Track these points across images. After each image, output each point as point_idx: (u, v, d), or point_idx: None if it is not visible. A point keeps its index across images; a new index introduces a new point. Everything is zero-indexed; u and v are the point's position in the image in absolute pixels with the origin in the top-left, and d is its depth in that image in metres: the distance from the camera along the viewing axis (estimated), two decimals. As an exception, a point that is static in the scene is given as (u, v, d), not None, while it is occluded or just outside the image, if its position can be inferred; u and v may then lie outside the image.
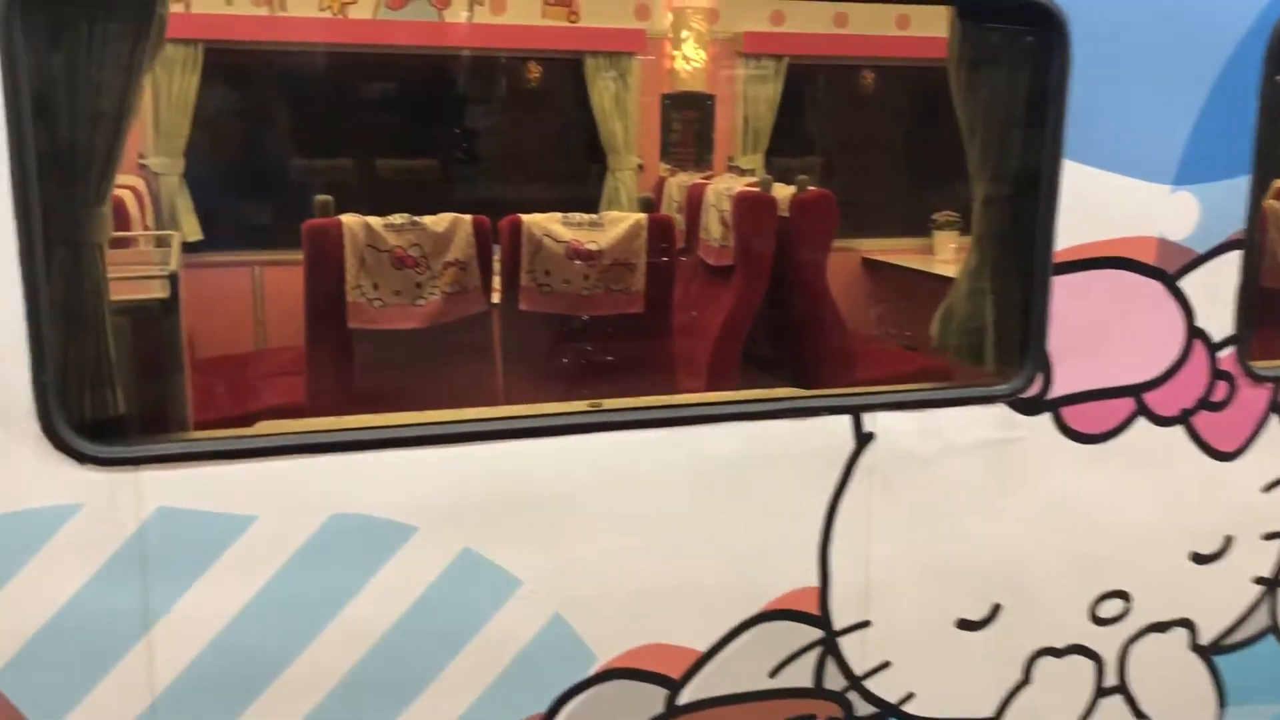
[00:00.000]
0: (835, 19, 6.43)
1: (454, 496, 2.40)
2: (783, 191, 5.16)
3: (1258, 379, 2.94)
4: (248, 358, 5.48)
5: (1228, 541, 3.03)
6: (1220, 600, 3.08)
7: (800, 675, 2.74)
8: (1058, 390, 2.78)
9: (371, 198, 6.33)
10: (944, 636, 2.83)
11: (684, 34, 6.05)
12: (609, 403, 2.70)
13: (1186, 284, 2.82)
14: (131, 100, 2.24)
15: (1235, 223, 2.82)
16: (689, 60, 6.04)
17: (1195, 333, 2.86)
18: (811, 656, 2.74)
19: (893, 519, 2.74)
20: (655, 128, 6.26)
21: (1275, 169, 2.93)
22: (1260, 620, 3.14)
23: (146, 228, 4.94)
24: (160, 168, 5.59)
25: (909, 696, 2.85)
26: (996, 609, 2.86)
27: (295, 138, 6.29)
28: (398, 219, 4.01)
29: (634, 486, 2.52)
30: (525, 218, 4.16)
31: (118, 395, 2.34)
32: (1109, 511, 2.90)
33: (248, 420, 4.30)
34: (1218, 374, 2.91)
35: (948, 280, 5.97)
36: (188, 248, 5.61)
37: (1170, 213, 2.77)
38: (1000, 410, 2.76)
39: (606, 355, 4.11)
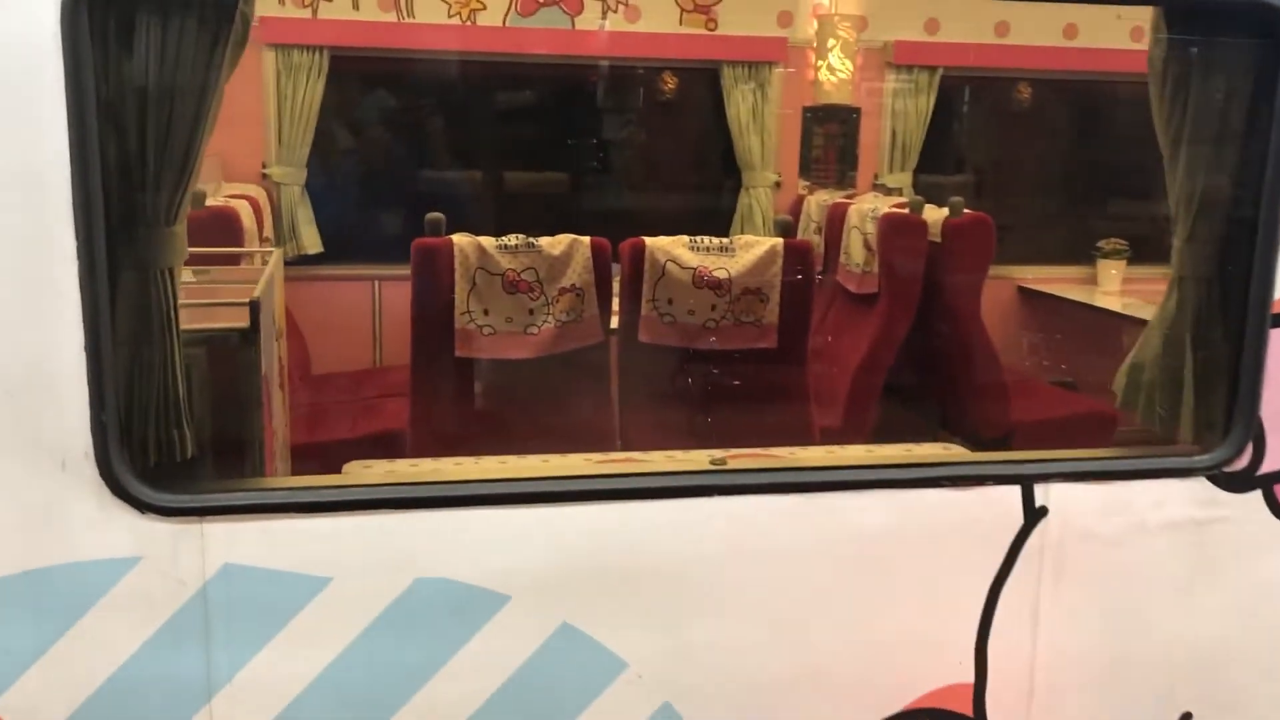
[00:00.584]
0: (996, 28, 5.99)
1: (552, 563, 2.17)
2: (934, 214, 4.76)
3: None
4: (361, 375, 5.35)
5: None
6: None
7: (948, 786, 2.43)
8: (1271, 464, 2.42)
9: (497, 212, 6.17)
10: (1121, 750, 2.49)
11: (830, 43, 5.68)
12: (735, 457, 2.40)
13: None
14: (208, 109, 2.02)
15: None
16: (834, 71, 5.67)
17: None
18: (962, 764, 2.42)
19: (1065, 608, 2.41)
20: (795, 142, 5.90)
21: None
22: None
23: (265, 240, 4.83)
24: (282, 177, 5.48)
25: (1077, 817, 2.48)
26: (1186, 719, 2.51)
27: (420, 148, 6.15)
28: (512, 239, 3.75)
29: (760, 560, 2.26)
30: (649, 241, 3.84)
31: (185, 437, 2.14)
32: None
33: (345, 446, 4.20)
34: None
35: (1111, 314, 5.63)
36: (308, 260, 5.53)
37: None
38: (1200, 485, 2.42)
39: (732, 396, 3.76)
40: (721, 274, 3.80)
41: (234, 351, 2.26)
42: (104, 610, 2.00)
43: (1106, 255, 6.00)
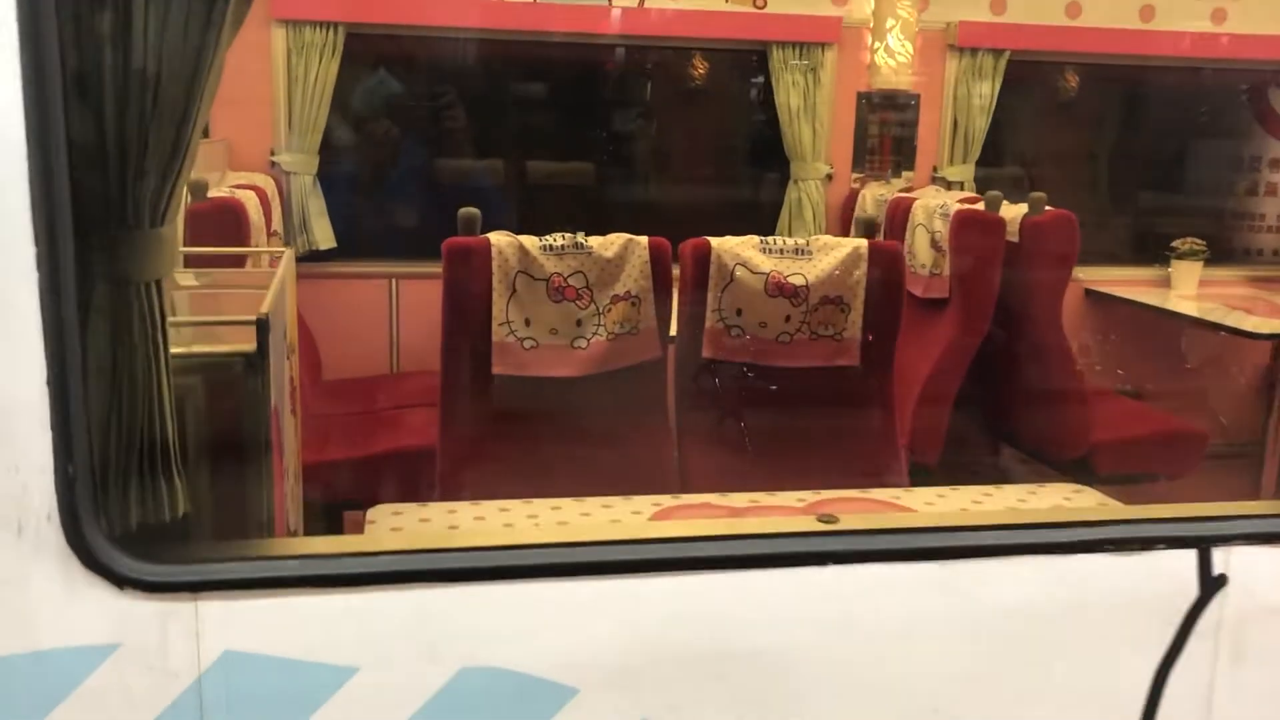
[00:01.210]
0: (1067, 9, 5.56)
1: (626, 646, 1.79)
2: (1011, 211, 4.34)
3: None
4: (377, 382, 4.97)
5: None
6: None
7: None
8: None
9: (523, 204, 5.78)
10: None
11: (889, 23, 5.25)
12: (830, 503, 1.99)
13: None
14: (204, 80, 1.61)
15: None
16: (892, 54, 5.24)
17: None
18: None
19: (1245, 695, 2.03)
20: (848, 131, 5.47)
21: None
22: None
23: (273, 234, 4.42)
24: (292, 166, 5.07)
25: None
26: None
27: (442, 135, 5.75)
28: (557, 239, 3.28)
29: (882, 640, 1.89)
30: (714, 242, 3.38)
31: (176, 491, 1.73)
32: None
33: (362, 464, 3.80)
34: None
35: (1187, 319, 5.22)
36: (319, 256, 5.14)
37: None
38: None
39: (807, 421, 3.32)
40: (797, 280, 3.34)
41: (236, 381, 1.84)
42: (72, 711, 1.61)
43: (1182, 256, 5.60)
